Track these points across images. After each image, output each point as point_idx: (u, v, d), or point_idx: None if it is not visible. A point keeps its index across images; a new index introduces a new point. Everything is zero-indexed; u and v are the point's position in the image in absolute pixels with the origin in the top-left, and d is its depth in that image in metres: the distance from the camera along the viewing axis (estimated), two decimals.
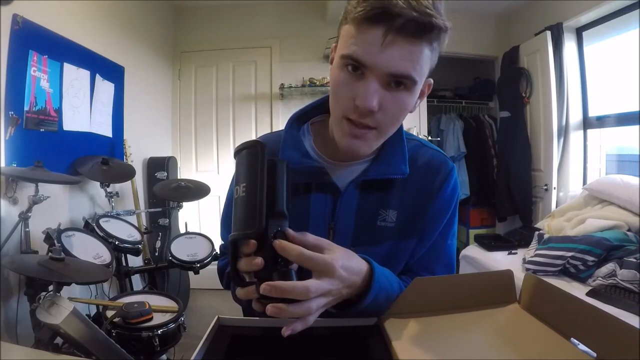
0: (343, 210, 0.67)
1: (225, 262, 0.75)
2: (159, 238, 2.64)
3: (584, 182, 2.67)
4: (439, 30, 0.53)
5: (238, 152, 0.50)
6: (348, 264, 0.51)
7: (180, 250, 1.99)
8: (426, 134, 3.19)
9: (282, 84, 3.11)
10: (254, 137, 3.24)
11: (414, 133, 3.00)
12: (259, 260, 0.46)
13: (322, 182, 0.67)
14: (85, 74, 2.06)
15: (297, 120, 0.73)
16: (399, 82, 0.54)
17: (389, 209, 0.67)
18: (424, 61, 0.54)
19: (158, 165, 2.79)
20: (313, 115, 0.74)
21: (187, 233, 2.18)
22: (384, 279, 0.56)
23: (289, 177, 0.48)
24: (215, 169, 3.27)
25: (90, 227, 1.74)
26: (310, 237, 0.51)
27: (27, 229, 1.50)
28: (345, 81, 0.56)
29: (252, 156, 0.47)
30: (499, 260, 2.26)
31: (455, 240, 0.74)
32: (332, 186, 0.67)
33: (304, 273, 0.49)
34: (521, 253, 2.25)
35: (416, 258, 0.70)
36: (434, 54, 0.56)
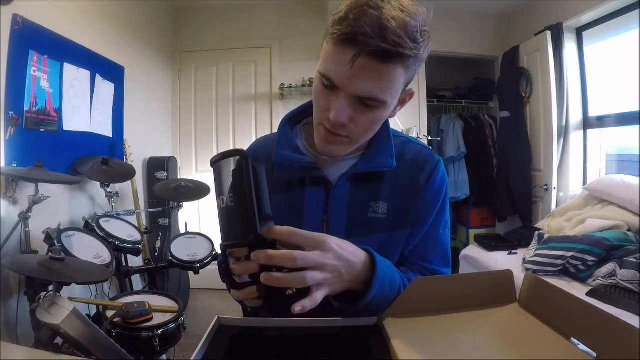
0: (335, 203, 0.69)
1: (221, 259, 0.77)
2: (159, 238, 2.64)
3: (584, 182, 2.67)
4: (408, 56, 0.54)
5: (218, 161, 0.48)
6: (340, 243, 0.53)
7: (180, 250, 1.99)
8: (426, 134, 3.18)
9: (282, 84, 3.12)
10: (254, 137, 3.24)
11: (414, 133, 3.00)
12: (254, 264, 0.48)
13: (315, 176, 0.70)
14: (85, 74, 2.06)
15: (290, 122, 0.77)
16: (367, 102, 0.57)
17: (380, 201, 0.70)
18: (395, 80, 0.56)
19: (158, 165, 2.79)
20: (304, 116, 0.78)
21: (187, 233, 2.18)
22: (385, 268, 0.58)
23: (268, 179, 0.49)
24: None
25: (90, 227, 1.74)
26: (298, 230, 0.51)
27: (27, 229, 1.50)
28: (322, 93, 0.60)
29: (237, 166, 0.47)
30: (499, 260, 2.26)
31: (449, 230, 0.76)
32: (324, 180, 0.69)
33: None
34: (521, 253, 2.25)
35: (411, 248, 0.72)
36: (412, 67, 0.58)
